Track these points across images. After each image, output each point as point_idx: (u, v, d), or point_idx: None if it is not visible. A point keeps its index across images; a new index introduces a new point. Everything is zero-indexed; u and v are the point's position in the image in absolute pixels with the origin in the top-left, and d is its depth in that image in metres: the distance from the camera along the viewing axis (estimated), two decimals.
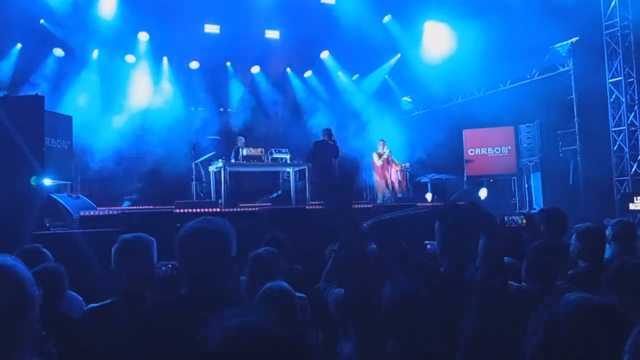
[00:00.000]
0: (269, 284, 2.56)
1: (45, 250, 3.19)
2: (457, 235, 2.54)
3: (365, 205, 10.12)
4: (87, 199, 8.60)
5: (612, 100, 10.22)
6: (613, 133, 10.19)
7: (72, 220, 7.02)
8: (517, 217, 3.62)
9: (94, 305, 2.39)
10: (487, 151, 12.22)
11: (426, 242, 3.63)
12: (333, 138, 9.35)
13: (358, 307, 2.49)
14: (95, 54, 12.56)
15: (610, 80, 10.21)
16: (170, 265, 1.88)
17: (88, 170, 11.57)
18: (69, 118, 8.39)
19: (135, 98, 12.69)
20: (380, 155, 12.09)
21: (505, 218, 3.56)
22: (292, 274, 3.11)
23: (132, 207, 10.33)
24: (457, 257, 2.54)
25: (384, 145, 12.31)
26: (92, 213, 7.25)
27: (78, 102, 11.61)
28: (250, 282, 2.88)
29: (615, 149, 10.17)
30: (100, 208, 8.76)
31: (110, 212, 7.67)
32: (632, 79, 10.00)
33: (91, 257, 5.64)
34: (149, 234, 2.57)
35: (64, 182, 8.45)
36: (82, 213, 7.03)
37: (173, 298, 1.89)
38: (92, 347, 1.90)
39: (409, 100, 15.89)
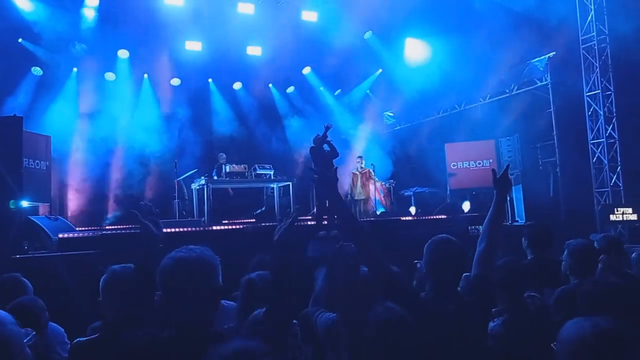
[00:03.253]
0: (258, 310, 2.49)
1: (24, 279, 3.06)
2: (440, 260, 2.55)
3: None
4: (66, 220, 8.42)
5: (589, 113, 10.36)
6: (592, 145, 10.33)
7: (50, 243, 6.85)
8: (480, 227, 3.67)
9: (80, 339, 2.28)
10: (469, 164, 12.29)
11: (416, 261, 3.61)
12: (327, 140, 9.01)
13: (349, 332, 2.45)
14: (74, 72, 12.41)
15: (587, 94, 10.36)
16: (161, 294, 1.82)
17: (67, 188, 11.42)
18: (48, 138, 8.22)
19: (114, 116, 12.51)
20: (360, 173, 12.21)
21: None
22: None
23: (113, 228, 10.11)
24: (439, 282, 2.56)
25: (361, 162, 12.40)
26: (71, 235, 7.08)
27: (57, 120, 11.38)
28: (241, 308, 2.80)
29: (594, 160, 10.31)
30: (79, 229, 8.57)
31: (90, 234, 7.50)
32: (609, 92, 10.17)
33: (71, 281, 5.51)
34: (130, 256, 2.47)
35: (42, 203, 8.29)
36: (60, 235, 6.86)
37: (161, 339, 1.78)
38: None
39: (391, 114, 15.98)
